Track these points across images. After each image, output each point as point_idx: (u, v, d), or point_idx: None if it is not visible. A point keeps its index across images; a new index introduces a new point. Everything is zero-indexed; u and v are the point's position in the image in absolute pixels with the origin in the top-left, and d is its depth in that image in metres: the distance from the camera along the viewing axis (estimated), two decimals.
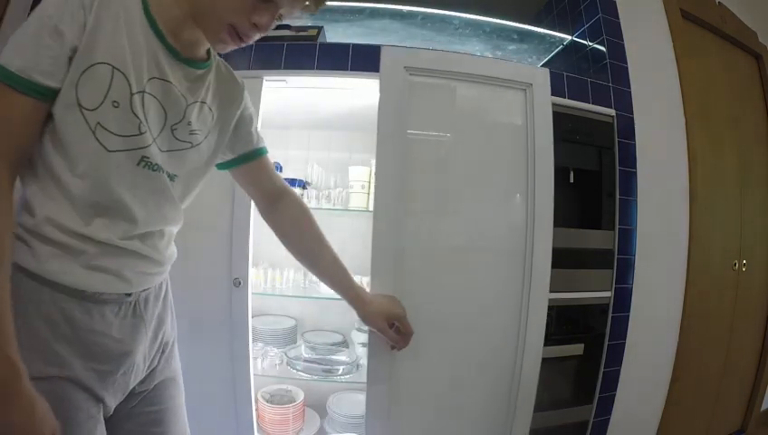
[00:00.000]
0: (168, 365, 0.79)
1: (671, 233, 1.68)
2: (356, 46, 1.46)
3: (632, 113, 1.64)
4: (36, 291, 0.58)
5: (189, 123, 0.70)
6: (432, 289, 1.31)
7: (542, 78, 1.29)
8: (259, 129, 1.32)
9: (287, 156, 1.88)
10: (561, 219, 1.38)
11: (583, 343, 1.57)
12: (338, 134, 1.95)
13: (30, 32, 0.56)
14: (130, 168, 0.63)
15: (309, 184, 1.65)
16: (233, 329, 1.35)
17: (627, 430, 1.65)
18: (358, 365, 1.58)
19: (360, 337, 1.69)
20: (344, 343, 1.77)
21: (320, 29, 1.60)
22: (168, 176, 0.68)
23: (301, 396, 1.63)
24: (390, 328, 1.03)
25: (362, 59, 1.43)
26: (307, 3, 0.68)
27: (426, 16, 1.81)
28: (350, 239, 1.93)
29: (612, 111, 1.59)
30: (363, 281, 1.58)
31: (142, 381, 0.73)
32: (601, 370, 1.59)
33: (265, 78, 1.38)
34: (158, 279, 0.75)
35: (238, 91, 0.83)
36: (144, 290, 0.70)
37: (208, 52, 0.74)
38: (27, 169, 0.60)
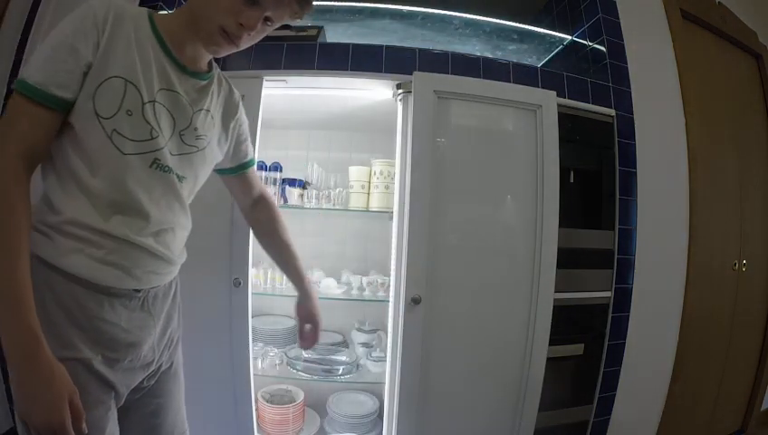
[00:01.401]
0: (171, 359, 0.84)
1: (671, 233, 1.68)
2: (356, 46, 1.46)
3: (632, 113, 1.64)
4: (54, 280, 0.64)
5: (196, 129, 0.76)
6: (451, 289, 1.36)
7: (550, 100, 1.43)
8: (259, 129, 1.33)
9: (287, 156, 1.88)
10: (561, 220, 1.39)
11: (583, 343, 1.57)
12: (338, 134, 1.95)
13: (49, 49, 0.63)
14: (144, 169, 0.69)
15: (309, 184, 1.65)
16: (233, 329, 1.35)
17: (627, 430, 1.65)
18: (358, 365, 1.58)
19: (359, 337, 1.70)
20: (344, 343, 1.77)
21: (320, 29, 1.60)
22: (178, 177, 0.75)
23: (301, 396, 1.63)
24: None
25: (362, 59, 1.44)
26: (294, 7, 0.73)
27: (426, 16, 1.81)
28: (350, 239, 1.94)
29: (612, 111, 1.59)
30: (363, 281, 1.59)
31: (150, 376, 0.78)
32: (601, 370, 1.59)
33: (266, 78, 1.39)
34: (167, 278, 0.79)
35: (236, 102, 0.90)
36: (153, 288, 0.75)
37: (210, 64, 0.81)
38: (50, 171, 0.67)
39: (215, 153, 0.85)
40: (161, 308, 0.78)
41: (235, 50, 0.74)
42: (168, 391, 0.83)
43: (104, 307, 0.67)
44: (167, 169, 0.72)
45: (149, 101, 0.68)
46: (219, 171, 0.95)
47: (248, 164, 0.98)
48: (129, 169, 0.67)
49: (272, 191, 1.58)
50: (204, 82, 0.79)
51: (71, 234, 0.65)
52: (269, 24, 0.73)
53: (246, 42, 0.73)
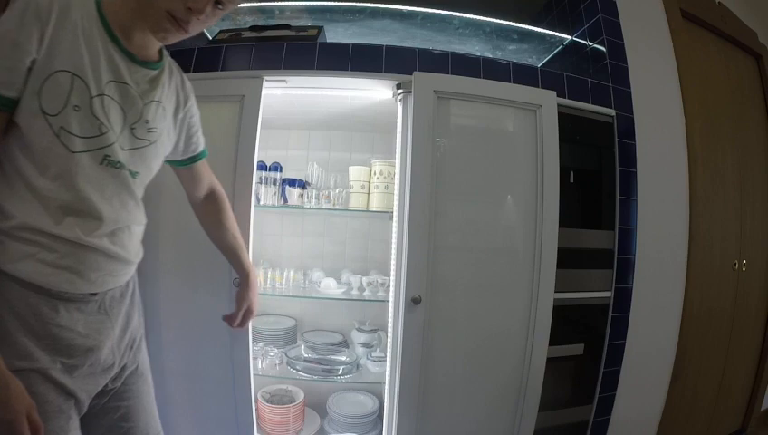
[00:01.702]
0: (135, 360, 0.82)
1: (671, 233, 1.68)
2: (356, 46, 1.46)
3: (632, 113, 1.64)
4: (6, 287, 0.62)
5: (147, 122, 0.74)
6: (451, 289, 1.36)
7: (550, 100, 1.43)
8: (258, 129, 1.32)
9: (287, 156, 1.88)
10: (561, 220, 1.39)
11: (583, 343, 1.57)
12: (338, 134, 1.95)
13: None
14: (94, 166, 0.67)
15: (309, 184, 1.65)
16: (233, 329, 1.34)
17: (627, 430, 1.65)
18: (358, 365, 1.58)
19: (360, 337, 1.70)
20: (344, 343, 1.77)
21: (320, 29, 1.60)
22: (131, 173, 0.73)
23: (301, 396, 1.63)
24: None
25: (362, 59, 1.43)
26: None
27: (426, 16, 1.81)
28: (350, 239, 1.94)
29: (612, 111, 1.59)
30: (363, 281, 1.59)
31: (114, 378, 0.77)
32: (601, 370, 1.59)
33: (266, 78, 1.38)
34: (124, 279, 0.78)
35: (187, 92, 0.88)
36: (110, 290, 0.73)
37: (160, 53, 0.79)
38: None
39: (165, 146, 0.83)
40: (119, 310, 0.76)
41: (184, 36, 0.71)
42: (136, 393, 0.81)
43: (60, 313, 0.66)
44: (118, 165, 0.69)
45: (98, 95, 0.65)
46: (170, 162, 0.94)
47: (199, 156, 0.97)
48: (78, 167, 0.65)
49: (272, 191, 1.58)
50: (155, 72, 0.76)
51: (22, 238, 0.63)
52: (220, 7, 0.71)
53: (196, 27, 0.71)
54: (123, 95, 0.70)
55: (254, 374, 1.49)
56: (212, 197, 1.03)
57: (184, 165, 0.95)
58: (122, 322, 0.77)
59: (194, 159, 0.96)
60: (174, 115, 0.84)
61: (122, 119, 0.70)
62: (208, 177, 1.02)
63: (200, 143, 0.96)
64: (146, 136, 0.74)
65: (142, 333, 0.86)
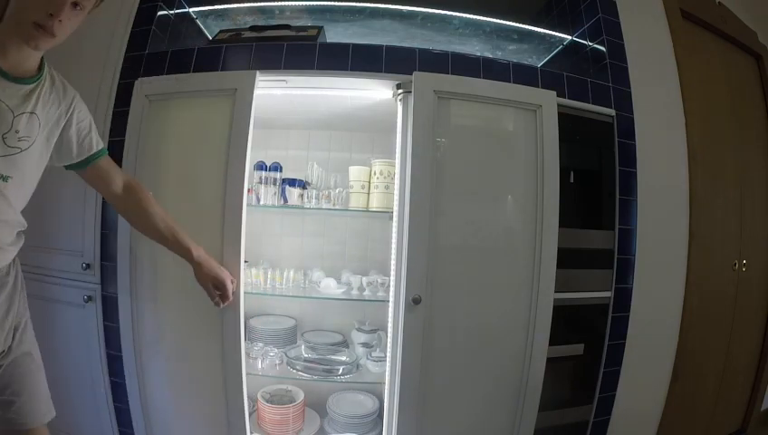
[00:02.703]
0: (22, 342, 0.92)
1: (671, 233, 1.68)
2: (356, 46, 1.46)
3: (632, 113, 1.64)
4: None
5: (17, 132, 0.84)
6: (451, 289, 1.35)
7: (550, 100, 1.43)
8: (250, 129, 1.33)
9: (287, 156, 1.88)
10: (561, 220, 1.39)
11: (583, 343, 1.57)
12: (338, 134, 1.95)
13: None
14: None
15: (309, 184, 1.65)
16: (224, 330, 1.33)
17: (627, 430, 1.65)
18: (358, 365, 1.58)
19: (360, 337, 1.70)
20: (344, 343, 1.77)
21: (320, 29, 1.60)
22: (2, 177, 0.83)
23: (301, 396, 1.63)
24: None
25: (362, 59, 1.43)
26: None
27: (426, 16, 1.81)
28: (350, 239, 1.94)
29: (612, 111, 1.59)
30: (363, 281, 1.59)
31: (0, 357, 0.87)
32: (601, 370, 1.59)
33: (262, 78, 1.38)
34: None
35: (70, 100, 0.97)
36: None
37: (41, 68, 0.90)
38: None
39: (41, 152, 0.92)
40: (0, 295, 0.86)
41: (53, 40, 0.82)
42: (27, 371, 0.91)
43: None
44: None
45: None
46: (68, 168, 1.03)
47: (96, 156, 1.04)
48: None
49: (272, 191, 1.58)
50: (29, 87, 0.86)
51: None
52: (78, 8, 0.82)
53: (61, 30, 0.81)
54: None
55: (254, 374, 1.50)
56: (129, 189, 1.10)
57: (82, 167, 1.03)
58: (4, 306, 0.88)
59: (92, 158, 1.03)
60: (56, 123, 0.94)
61: None
62: (118, 172, 1.10)
63: (94, 144, 1.03)
64: (17, 144, 0.84)
65: (28, 316, 0.96)
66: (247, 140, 1.32)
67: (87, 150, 1.02)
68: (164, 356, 1.40)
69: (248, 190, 1.57)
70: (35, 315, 1.02)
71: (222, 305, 1.19)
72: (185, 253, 1.12)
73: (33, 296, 1.04)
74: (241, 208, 1.33)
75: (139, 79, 1.45)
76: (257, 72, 1.36)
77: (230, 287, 1.19)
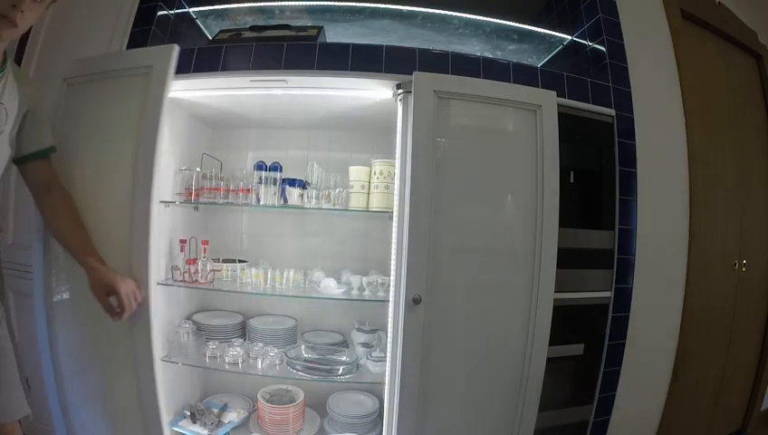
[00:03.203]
0: None
1: (671, 233, 1.68)
2: (356, 46, 1.46)
3: (632, 113, 1.64)
4: None
5: None
6: (451, 289, 1.35)
7: (550, 100, 1.42)
8: (164, 108, 1.25)
9: (287, 156, 1.88)
10: (561, 220, 1.39)
11: (583, 343, 1.57)
12: (338, 134, 1.95)
13: None
14: None
15: (309, 184, 1.65)
16: (135, 345, 1.25)
17: (627, 430, 1.65)
18: (358, 365, 1.58)
19: (360, 337, 1.69)
20: (344, 343, 1.77)
21: (320, 29, 1.60)
22: None
23: (301, 396, 1.63)
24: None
25: (362, 59, 1.44)
26: None
27: (426, 16, 1.81)
28: (350, 239, 1.94)
29: (612, 111, 1.59)
30: (363, 281, 1.59)
31: None
32: (601, 370, 1.59)
33: (266, 78, 1.38)
34: None
35: (30, 92, 1.00)
36: None
37: (5, 59, 0.92)
38: None
39: (10, 142, 0.95)
40: None
41: (15, 30, 0.86)
42: None
43: None
44: None
45: None
46: (20, 161, 1.05)
47: (51, 150, 1.08)
48: None
49: (272, 191, 1.58)
50: None
51: None
52: (38, 0, 0.86)
53: (22, 21, 0.85)
54: None
55: (254, 374, 1.50)
56: (57, 192, 1.12)
57: (29, 161, 1.05)
58: None
59: (38, 154, 1.07)
60: (18, 114, 0.96)
61: None
62: (52, 173, 1.12)
63: (43, 141, 1.06)
64: None
65: (2, 315, 0.98)
66: (158, 126, 1.21)
67: (39, 144, 1.05)
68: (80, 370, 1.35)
69: (248, 190, 1.58)
70: None
71: (120, 318, 1.09)
72: (81, 259, 1.08)
73: None
74: (149, 212, 1.22)
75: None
76: (175, 47, 1.26)
77: (128, 295, 1.08)
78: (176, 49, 1.25)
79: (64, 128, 1.29)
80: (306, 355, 1.59)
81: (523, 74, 1.52)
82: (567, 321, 1.47)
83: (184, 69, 1.48)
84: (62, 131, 1.27)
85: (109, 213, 1.25)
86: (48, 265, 1.32)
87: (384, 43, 1.47)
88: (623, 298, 1.60)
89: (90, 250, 1.10)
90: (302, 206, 1.60)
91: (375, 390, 1.73)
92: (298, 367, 1.53)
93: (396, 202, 1.39)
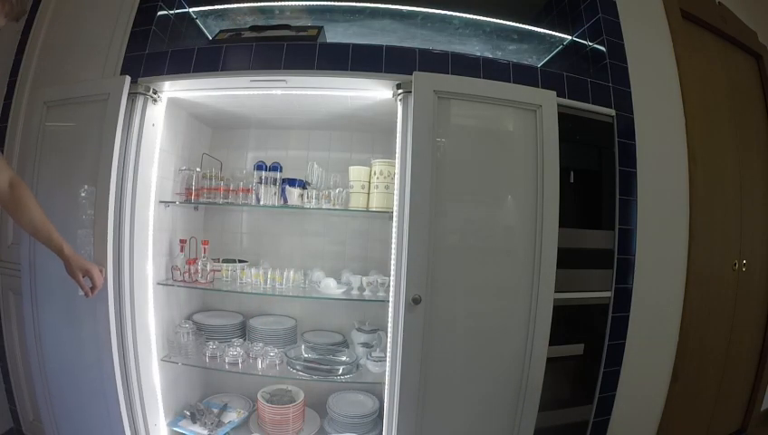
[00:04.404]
0: None
1: (671, 233, 1.68)
2: (356, 46, 1.46)
3: (632, 113, 1.64)
4: None
5: None
6: (451, 289, 1.35)
7: (550, 100, 1.43)
8: (117, 137, 1.36)
9: (287, 156, 1.88)
10: (561, 219, 1.39)
11: (583, 343, 1.57)
12: (338, 134, 1.95)
13: None
14: None
15: (309, 184, 1.65)
16: (98, 327, 1.37)
17: (627, 430, 1.65)
18: (358, 365, 1.58)
19: (360, 337, 1.70)
20: (344, 343, 1.77)
21: (320, 29, 1.60)
22: None
23: (301, 396, 1.63)
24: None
25: (362, 59, 1.43)
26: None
27: (426, 16, 1.81)
28: (350, 239, 1.94)
29: (612, 111, 1.59)
30: (363, 281, 1.59)
31: None
32: (601, 370, 1.59)
33: (265, 78, 1.38)
34: None
35: None
36: None
37: None
38: None
39: None
40: None
41: None
42: None
43: None
44: None
45: None
46: None
47: None
48: None
49: (272, 191, 1.58)
50: None
51: None
52: None
53: None
54: None
55: (254, 374, 1.50)
56: (13, 185, 1.18)
57: None
58: None
59: None
60: None
61: None
62: (5, 167, 1.19)
63: None
64: None
65: None
66: (113, 150, 1.35)
67: None
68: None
69: (248, 190, 1.58)
70: None
71: (92, 295, 1.27)
72: (57, 248, 1.20)
73: None
74: (107, 234, 1.36)
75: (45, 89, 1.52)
76: (127, 78, 1.40)
77: (98, 276, 1.27)
78: (127, 79, 1.41)
79: (43, 144, 1.47)
80: (306, 355, 1.59)
81: (522, 74, 1.52)
82: (567, 321, 1.47)
83: (184, 69, 1.48)
84: (41, 146, 1.46)
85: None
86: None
87: (384, 43, 1.47)
88: (623, 298, 1.60)
89: (61, 239, 1.22)
90: (302, 206, 1.60)
91: (375, 390, 1.73)
92: (298, 367, 1.53)
93: (396, 202, 1.39)
